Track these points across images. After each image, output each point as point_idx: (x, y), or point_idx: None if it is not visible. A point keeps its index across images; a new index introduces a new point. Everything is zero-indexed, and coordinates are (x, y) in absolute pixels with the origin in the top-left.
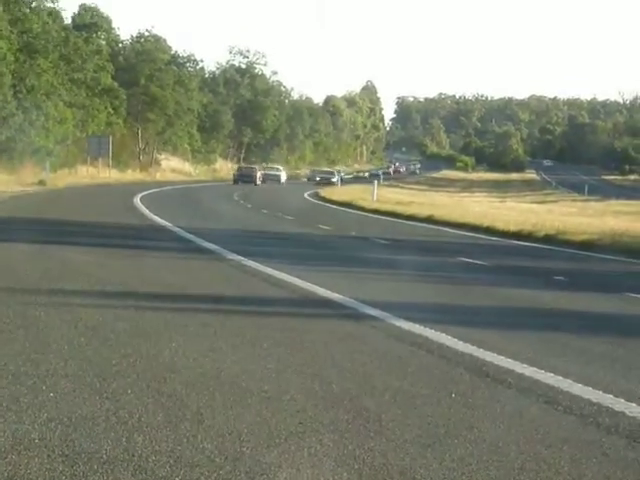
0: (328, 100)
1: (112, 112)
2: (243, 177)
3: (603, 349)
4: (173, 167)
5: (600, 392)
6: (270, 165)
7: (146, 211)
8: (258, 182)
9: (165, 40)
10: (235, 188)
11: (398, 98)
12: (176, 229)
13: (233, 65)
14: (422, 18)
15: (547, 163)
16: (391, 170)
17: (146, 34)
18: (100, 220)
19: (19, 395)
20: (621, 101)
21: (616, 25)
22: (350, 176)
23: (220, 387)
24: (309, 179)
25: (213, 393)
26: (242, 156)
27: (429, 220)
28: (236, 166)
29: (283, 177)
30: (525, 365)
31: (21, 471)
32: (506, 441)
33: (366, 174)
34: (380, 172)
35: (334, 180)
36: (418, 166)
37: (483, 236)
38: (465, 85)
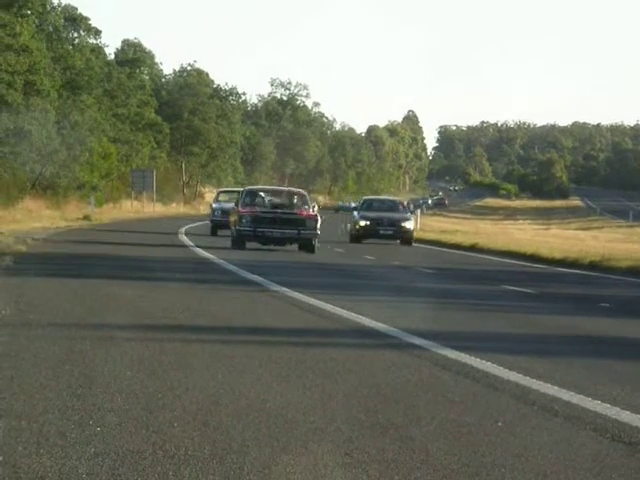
0: (370, 130)
1: (156, 146)
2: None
3: None
4: None
5: None
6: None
7: (190, 244)
8: None
9: (207, 74)
10: None
11: (440, 127)
12: (220, 261)
13: (275, 97)
14: (461, 47)
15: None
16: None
17: (188, 68)
18: (145, 254)
19: (66, 430)
20: None
21: None
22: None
23: (266, 419)
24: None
25: (259, 425)
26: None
27: (473, 248)
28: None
29: None
30: (572, 393)
31: None
32: (554, 470)
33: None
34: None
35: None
36: (429, 199)
37: (527, 264)
38: (507, 113)
